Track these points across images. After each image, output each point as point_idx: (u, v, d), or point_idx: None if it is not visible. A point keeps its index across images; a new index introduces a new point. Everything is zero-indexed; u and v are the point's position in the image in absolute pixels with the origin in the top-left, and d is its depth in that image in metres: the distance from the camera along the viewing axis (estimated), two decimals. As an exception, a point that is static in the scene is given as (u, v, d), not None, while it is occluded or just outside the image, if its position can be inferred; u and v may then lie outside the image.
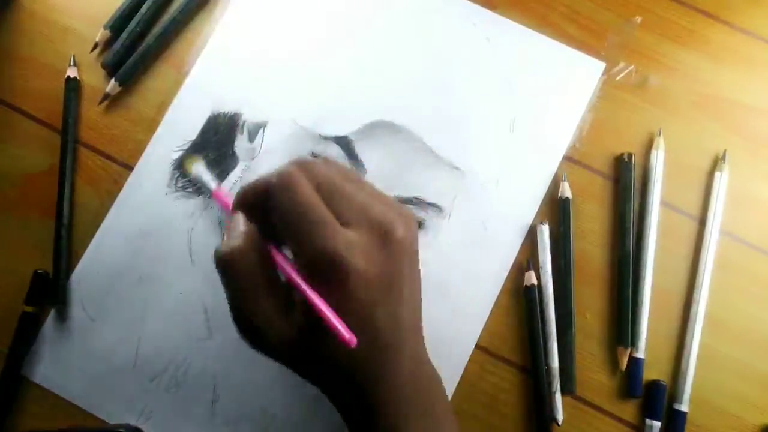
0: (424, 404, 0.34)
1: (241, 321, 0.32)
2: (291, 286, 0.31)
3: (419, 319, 0.35)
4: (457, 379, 0.43)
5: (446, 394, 0.37)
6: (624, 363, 0.43)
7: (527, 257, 0.44)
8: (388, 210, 0.32)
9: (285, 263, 0.32)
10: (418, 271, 0.34)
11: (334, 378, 0.33)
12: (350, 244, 0.30)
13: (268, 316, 0.31)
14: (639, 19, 0.47)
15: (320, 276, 0.30)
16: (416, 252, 0.34)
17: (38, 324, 0.44)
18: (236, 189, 0.45)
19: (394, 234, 0.31)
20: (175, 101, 0.47)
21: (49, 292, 0.44)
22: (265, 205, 0.32)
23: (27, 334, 0.43)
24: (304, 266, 0.31)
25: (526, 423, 0.43)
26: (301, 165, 0.32)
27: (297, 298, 0.32)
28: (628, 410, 0.43)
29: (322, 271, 0.30)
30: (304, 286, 0.30)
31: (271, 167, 0.45)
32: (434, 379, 0.36)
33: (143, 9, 0.47)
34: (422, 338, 0.36)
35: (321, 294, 0.30)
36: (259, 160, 0.46)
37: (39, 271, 0.44)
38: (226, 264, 0.31)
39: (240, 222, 0.32)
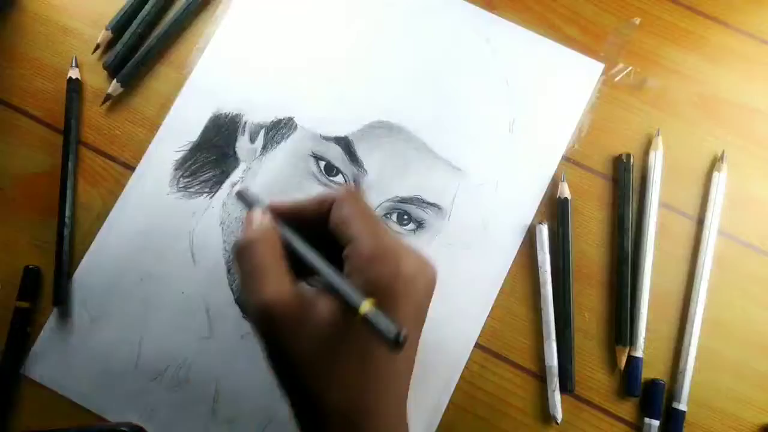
0: None
1: (249, 294, 0.32)
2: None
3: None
4: (457, 378, 0.43)
5: None
6: (623, 362, 0.43)
7: (527, 257, 0.45)
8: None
9: (305, 248, 0.33)
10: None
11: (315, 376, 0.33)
12: (412, 262, 0.32)
13: (276, 288, 0.32)
14: (638, 20, 0.48)
15: (383, 261, 0.31)
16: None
17: (32, 320, 0.44)
18: (237, 189, 0.45)
19: (434, 279, 0.34)
20: (177, 102, 0.47)
21: (52, 291, 0.44)
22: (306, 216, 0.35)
23: (21, 329, 0.44)
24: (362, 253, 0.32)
25: (526, 421, 0.43)
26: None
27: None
28: (627, 409, 0.43)
29: (384, 273, 0.31)
30: (327, 269, 0.31)
31: (271, 168, 0.46)
32: None
33: (145, 10, 0.47)
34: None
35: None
36: (260, 161, 0.46)
37: (30, 266, 0.45)
38: (239, 253, 0.33)
39: (257, 214, 0.34)
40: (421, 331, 0.34)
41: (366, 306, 0.29)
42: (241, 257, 0.33)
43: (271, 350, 0.33)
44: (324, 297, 0.31)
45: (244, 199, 0.37)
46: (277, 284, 0.32)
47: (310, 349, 0.31)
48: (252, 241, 0.33)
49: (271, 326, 0.32)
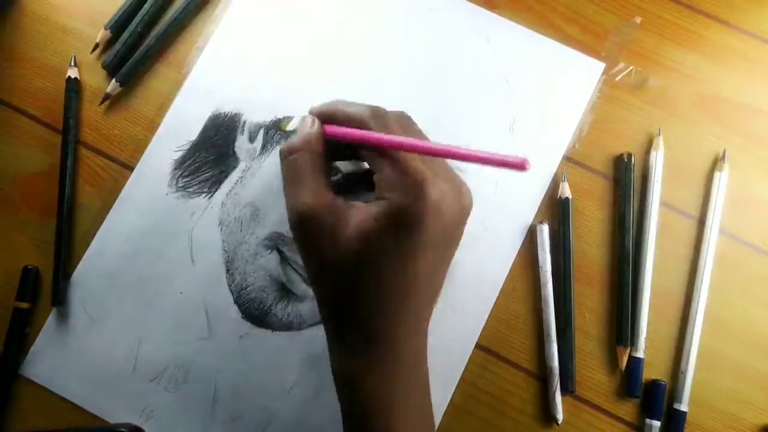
0: (418, 380, 0.36)
1: (288, 199, 0.35)
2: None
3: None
4: (458, 379, 0.43)
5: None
6: (623, 363, 0.43)
7: (527, 257, 0.44)
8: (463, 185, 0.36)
9: (359, 132, 0.35)
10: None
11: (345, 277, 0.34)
12: (442, 187, 0.33)
13: (312, 196, 0.34)
14: (639, 19, 0.48)
15: (405, 189, 0.33)
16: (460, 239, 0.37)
17: (31, 320, 0.44)
18: (237, 190, 0.45)
19: (470, 209, 0.36)
20: (176, 102, 0.47)
21: (51, 291, 0.44)
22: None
23: (20, 330, 0.44)
24: (391, 177, 0.33)
25: (527, 422, 0.43)
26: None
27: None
28: (628, 410, 0.43)
29: (410, 186, 0.32)
30: (387, 137, 0.33)
31: (271, 167, 0.45)
32: (426, 379, 0.37)
33: (144, 9, 0.47)
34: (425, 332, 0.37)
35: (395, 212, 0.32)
36: (260, 160, 0.46)
37: (29, 266, 0.44)
38: (284, 158, 0.36)
39: (309, 121, 0.37)
40: (452, 254, 0.36)
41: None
42: (286, 163, 0.36)
43: (304, 257, 0.35)
44: (355, 209, 0.34)
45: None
46: (313, 193, 0.34)
47: (338, 257, 0.33)
48: (298, 148, 0.35)
49: (304, 231, 0.34)
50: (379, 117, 0.35)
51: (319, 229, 0.34)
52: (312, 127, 0.36)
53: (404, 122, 0.37)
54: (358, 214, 0.33)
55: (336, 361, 0.36)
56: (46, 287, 0.44)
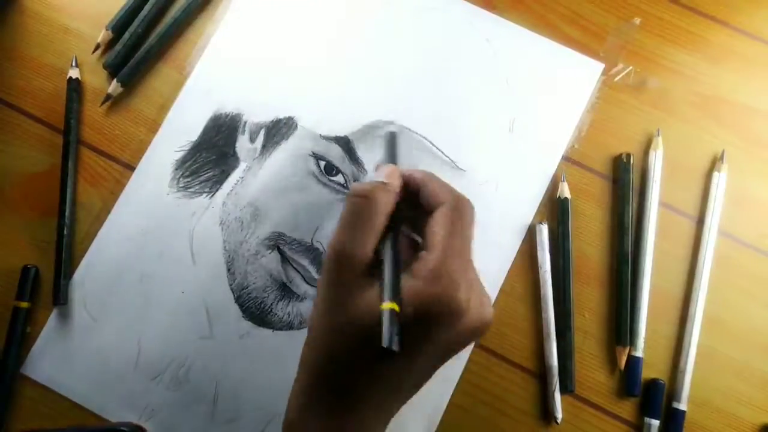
0: None
1: (336, 235, 0.33)
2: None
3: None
4: (458, 378, 0.43)
5: None
6: (623, 362, 0.43)
7: (527, 257, 0.45)
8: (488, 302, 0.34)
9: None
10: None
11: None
12: (474, 294, 0.32)
13: (362, 247, 0.32)
14: (638, 20, 0.48)
15: (438, 283, 0.31)
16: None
17: (31, 319, 0.44)
18: (237, 190, 0.45)
19: (487, 326, 0.33)
20: (177, 102, 0.47)
21: (52, 291, 0.44)
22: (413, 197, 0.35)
23: (20, 329, 0.44)
24: (427, 279, 0.31)
25: (526, 421, 0.43)
26: None
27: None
28: (627, 409, 0.43)
29: (441, 284, 0.31)
30: (391, 257, 0.32)
31: (271, 167, 0.46)
32: None
33: (145, 10, 0.47)
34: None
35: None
36: (260, 161, 0.46)
37: (28, 266, 0.45)
38: (358, 196, 0.33)
39: (390, 171, 0.35)
40: (439, 366, 0.34)
41: (387, 305, 0.29)
42: (356, 203, 0.33)
43: (322, 294, 0.33)
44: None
45: (390, 145, 0.38)
46: (356, 244, 0.32)
47: (353, 316, 0.31)
48: (372, 195, 0.33)
49: (335, 271, 0.32)
50: (457, 210, 0.33)
51: (343, 281, 0.32)
52: (393, 179, 0.35)
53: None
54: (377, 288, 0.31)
55: (291, 411, 0.34)
56: (47, 287, 0.45)
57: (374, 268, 0.32)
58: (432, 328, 0.31)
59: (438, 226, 0.33)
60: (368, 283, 0.32)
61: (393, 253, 0.32)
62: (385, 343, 0.28)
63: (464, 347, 0.34)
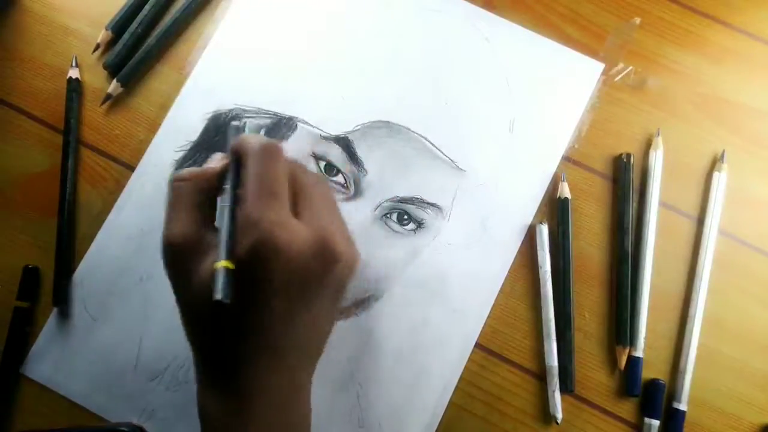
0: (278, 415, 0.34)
1: (165, 230, 0.33)
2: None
3: (314, 348, 0.35)
4: (458, 378, 0.43)
5: None
6: (623, 362, 0.43)
7: (526, 257, 0.45)
8: (343, 237, 0.34)
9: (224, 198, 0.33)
10: (333, 310, 0.35)
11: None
12: (292, 231, 0.31)
13: (185, 227, 0.33)
14: (638, 20, 0.48)
15: (248, 238, 0.31)
16: (341, 292, 0.35)
17: (32, 319, 0.44)
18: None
19: (342, 259, 0.33)
20: (177, 102, 0.47)
21: (52, 291, 0.44)
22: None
23: (20, 329, 0.44)
24: (242, 229, 0.31)
25: (526, 421, 0.43)
26: (294, 161, 0.35)
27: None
28: (627, 409, 0.43)
29: (253, 237, 0.31)
30: (224, 219, 0.32)
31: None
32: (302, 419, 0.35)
33: (145, 10, 0.47)
34: (307, 375, 0.35)
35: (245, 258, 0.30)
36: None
37: (29, 266, 0.45)
38: (169, 185, 0.34)
39: (217, 158, 0.36)
40: (321, 310, 0.34)
41: (220, 263, 0.30)
42: (169, 189, 0.34)
43: (172, 287, 0.34)
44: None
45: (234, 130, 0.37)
46: (183, 225, 0.33)
47: (197, 293, 0.31)
48: (184, 179, 0.34)
49: (168, 261, 0.33)
50: (255, 156, 0.33)
51: (182, 262, 0.33)
52: (213, 163, 0.35)
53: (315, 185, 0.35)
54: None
55: (200, 395, 0.34)
56: (48, 287, 0.45)
57: (203, 242, 0.33)
58: (260, 274, 0.31)
59: (247, 175, 0.32)
60: (203, 259, 0.32)
61: (229, 216, 0.32)
62: (216, 295, 0.29)
63: (327, 279, 0.33)
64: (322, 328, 0.36)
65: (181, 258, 0.33)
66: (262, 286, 0.31)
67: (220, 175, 0.35)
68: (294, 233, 0.31)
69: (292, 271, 0.31)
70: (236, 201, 0.33)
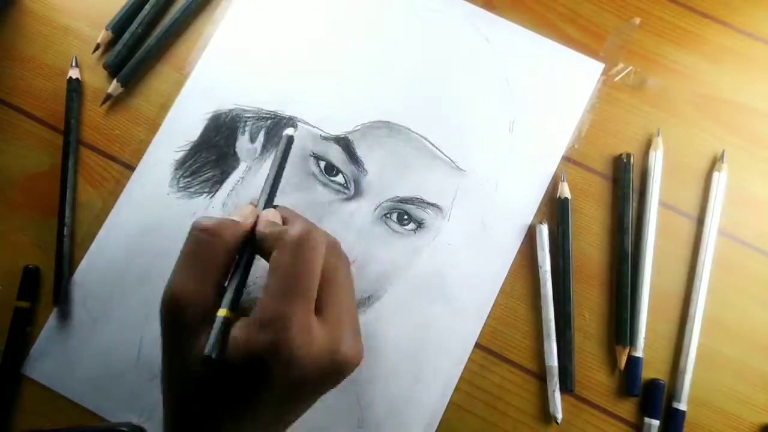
0: None
1: (174, 283, 0.32)
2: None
3: None
4: (458, 378, 0.43)
5: None
6: (623, 362, 0.43)
7: (526, 257, 0.45)
8: (354, 337, 0.33)
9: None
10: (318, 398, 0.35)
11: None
12: (312, 340, 0.30)
13: (201, 287, 0.31)
14: (638, 20, 0.48)
15: (268, 334, 0.30)
16: (333, 387, 0.34)
17: (32, 320, 0.44)
18: (238, 190, 0.45)
19: (346, 368, 0.32)
20: (177, 102, 0.47)
21: (52, 291, 0.44)
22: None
23: (20, 329, 0.44)
24: (263, 320, 0.30)
25: (526, 421, 0.43)
26: (330, 239, 0.33)
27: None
28: (627, 409, 0.43)
29: (273, 334, 0.30)
30: (240, 275, 0.32)
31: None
32: None
33: (145, 10, 0.48)
34: None
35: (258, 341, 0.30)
36: (261, 161, 0.46)
37: (29, 266, 0.45)
38: (193, 232, 0.32)
39: (246, 213, 0.34)
40: (298, 408, 0.33)
41: (222, 312, 0.29)
42: (193, 238, 0.32)
43: (163, 337, 0.32)
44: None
45: (285, 149, 0.37)
46: (195, 281, 0.31)
47: (188, 362, 0.30)
48: (213, 233, 0.32)
49: (167, 317, 0.31)
50: (298, 248, 0.31)
51: (182, 320, 0.31)
52: (243, 219, 0.33)
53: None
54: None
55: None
56: (48, 287, 0.45)
57: (215, 307, 0.31)
58: (265, 374, 0.30)
59: (270, 272, 0.31)
60: (208, 325, 0.30)
61: (243, 269, 0.31)
62: (206, 350, 0.28)
63: (325, 386, 0.33)
64: (303, 412, 0.35)
65: (182, 315, 0.31)
66: (266, 381, 0.30)
67: (250, 233, 0.33)
68: (312, 343, 0.30)
69: (297, 375, 0.30)
70: (253, 249, 0.32)
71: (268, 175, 0.38)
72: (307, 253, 0.31)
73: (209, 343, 0.28)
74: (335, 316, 0.32)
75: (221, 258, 0.32)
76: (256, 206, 0.36)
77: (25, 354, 0.44)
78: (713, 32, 0.48)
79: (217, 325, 0.29)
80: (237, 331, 0.30)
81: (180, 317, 0.31)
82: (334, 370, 0.32)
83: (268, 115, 0.47)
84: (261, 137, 0.46)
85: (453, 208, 0.45)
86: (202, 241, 0.32)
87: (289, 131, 0.39)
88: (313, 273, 0.31)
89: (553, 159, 0.46)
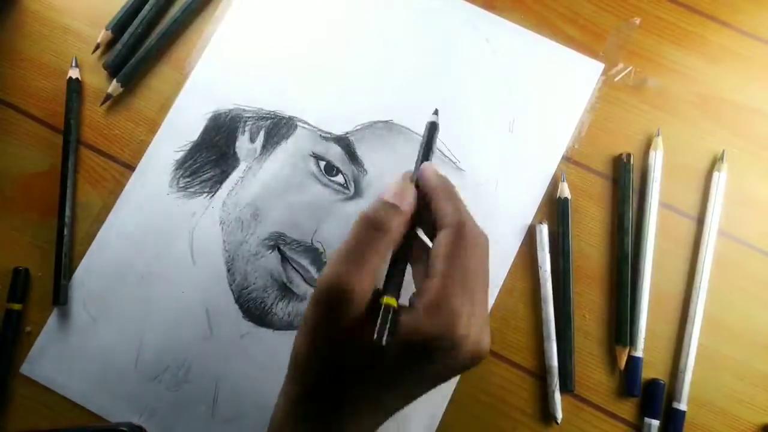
0: None
1: (330, 263, 0.31)
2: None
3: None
4: (458, 378, 0.43)
5: None
6: (623, 362, 0.43)
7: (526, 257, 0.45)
8: (489, 335, 0.34)
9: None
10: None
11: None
12: (470, 331, 0.31)
13: (362, 282, 0.31)
14: (638, 20, 0.48)
15: (437, 319, 0.30)
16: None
17: (26, 320, 0.44)
18: (237, 190, 0.45)
19: (478, 362, 0.33)
20: (177, 102, 0.47)
21: (52, 291, 0.44)
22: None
23: (12, 331, 0.44)
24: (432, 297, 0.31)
25: (526, 421, 0.43)
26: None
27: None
28: (627, 409, 0.43)
29: (441, 319, 0.30)
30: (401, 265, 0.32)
31: (271, 167, 0.46)
32: None
33: (145, 10, 0.48)
34: None
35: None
36: (260, 161, 0.46)
37: (18, 267, 0.45)
38: (365, 220, 0.32)
39: (401, 190, 0.34)
40: (425, 392, 0.33)
41: (388, 300, 0.30)
42: (367, 234, 0.31)
43: (310, 321, 0.31)
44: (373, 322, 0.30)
45: (429, 136, 0.38)
46: (360, 273, 0.30)
47: (345, 346, 0.31)
48: (387, 227, 0.32)
49: (322, 304, 0.31)
50: (460, 237, 0.32)
51: (343, 312, 0.30)
52: (405, 200, 0.33)
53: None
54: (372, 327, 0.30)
55: (277, 421, 0.33)
56: (48, 287, 0.45)
57: (373, 303, 0.31)
58: (424, 359, 0.30)
59: (439, 253, 0.32)
60: (362, 320, 0.30)
61: (404, 256, 0.32)
62: (376, 339, 0.29)
63: (454, 376, 0.34)
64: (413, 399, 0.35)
65: (344, 304, 0.30)
66: (418, 367, 0.31)
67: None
68: (469, 336, 0.31)
69: (448, 364, 0.31)
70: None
71: (417, 159, 0.38)
72: (471, 247, 0.32)
73: (381, 332, 0.29)
74: (482, 309, 0.33)
75: (386, 251, 0.32)
76: (429, 158, 0.37)
77: (25, 354, 0.44)
78: (713, 32, 0.48)
79: (385, 313, 0.29)
80: (404, 317, 0.31)
81: (341, 306, 0.30)
82: (472, 363, 0.32)
83: (268, 115, 0.47)
84: (261, 137, 0.46)
85: (453, 208, 0.45)
86: (371, 236, 0.31)
87: (432, 119, 0.39)
88: (486, 273, 0.33)
89: (553, 159, 0.46)
